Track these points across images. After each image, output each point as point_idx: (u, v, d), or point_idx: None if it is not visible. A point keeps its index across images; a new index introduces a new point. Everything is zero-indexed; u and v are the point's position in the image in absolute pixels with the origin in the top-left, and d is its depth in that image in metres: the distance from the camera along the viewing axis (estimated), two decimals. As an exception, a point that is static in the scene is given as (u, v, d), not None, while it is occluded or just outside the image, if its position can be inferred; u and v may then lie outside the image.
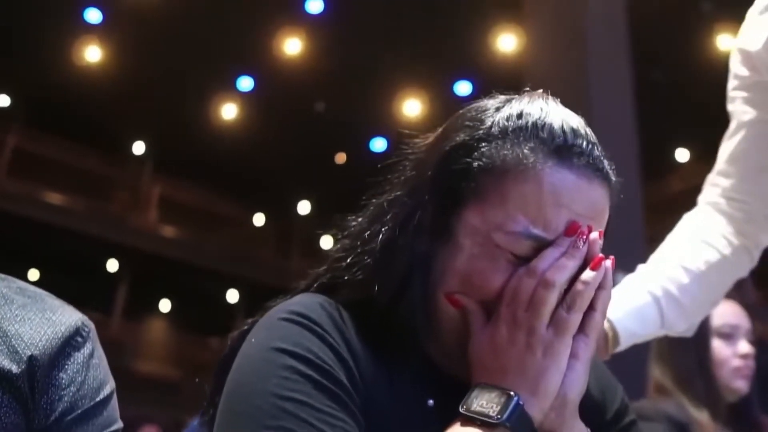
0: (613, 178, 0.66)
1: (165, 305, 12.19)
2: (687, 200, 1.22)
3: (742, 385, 1.54)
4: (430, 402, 0.65)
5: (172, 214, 11.15)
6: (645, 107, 4.02)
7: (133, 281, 11.10)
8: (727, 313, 1.58)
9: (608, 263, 0.64)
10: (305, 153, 9.79)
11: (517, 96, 0.69)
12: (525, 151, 0.63)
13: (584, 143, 0.64)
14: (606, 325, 1.03)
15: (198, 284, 11.34)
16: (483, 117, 0.67)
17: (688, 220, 1.18)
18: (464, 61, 7.75)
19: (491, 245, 0.63)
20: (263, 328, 0.65)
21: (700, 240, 1.13)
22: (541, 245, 0.62)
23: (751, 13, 1.13)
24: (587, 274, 0.63)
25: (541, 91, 0.70)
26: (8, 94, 10.19)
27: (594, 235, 0.64)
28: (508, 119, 0.66)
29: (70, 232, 9.77)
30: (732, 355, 1.54)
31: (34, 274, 11.03)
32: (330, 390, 0.59)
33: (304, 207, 12.02)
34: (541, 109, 0.66)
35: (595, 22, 3.77)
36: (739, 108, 1.15)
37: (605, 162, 0.66)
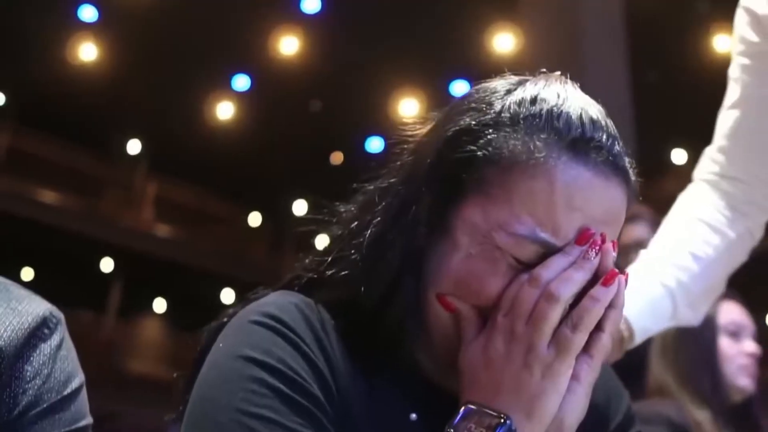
0: (633, 178, 0.59)
1: (159, 305, 12.15)
2: (693, 176, 1.16)
3: (747, 384, 1.53)
4: (413, 416, 0.59)
5: (167, 213, 11.11)
6: (641, 108, 4.02)
7: (127, 281, 11.06)
8: (733, 311, 1.58)
9: (622, 279, 0.57)
10: (301, 152, 9.77)
11: (530, 78, 0.62)
12: (537, 142, 0.56)
13: (604, 136, 0.57)
14: (622, 324, 0.98)
15: (192, 284, 11.30)
16: (491, 100, 0.59)
17: (686, 200, 1.12)
18: (461, 60, 7.75)
19: (491, 246, 0.56)
20: (233, 331, 0.60)
21: (704, 223, 1.07)
22: (548, 251, 0.55)
23: None
24: (598, 290, 0.55)
25: (558, 73, 0.62)
26: (2, 92, 10.14)
27: (608, 245, 0.56)
28: (520, 104, 0.58)
29: (64, 232, 9.72)
30: (738, 352, 1.54)
31: (27, 273, 10.98)
32: (300, 405, 0.54)
33: (299, 207, 12.00)
34: (558, 95, 0.58)
35: (591, 22, 3.77)
36: (742, 76, 1.06)
37: (626, 159, 0.58)
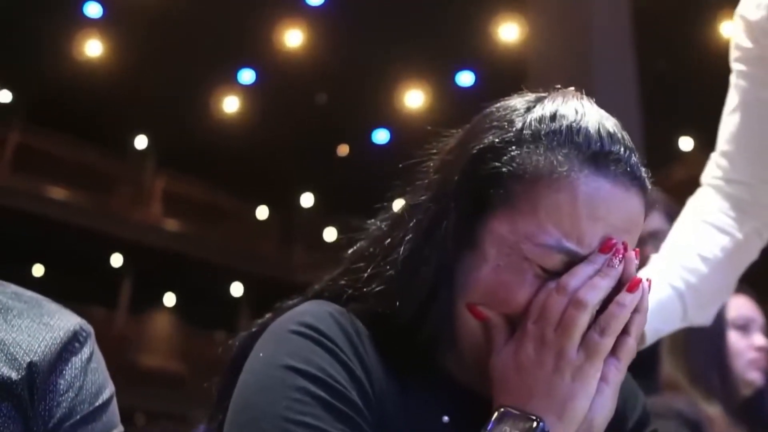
0: (649, 187, 0.62)
1: (169, 299, 12.22)
2: (691, 188, 1.19)
3: (757, 377, 1.52)
4: (445, 418, 0.62)
5: (176, 208, 11.16)
6: (649, 96, 4.00)
7: (138, 276, 11.13)
8: (742, 305, 1.57)
9: (645, 285, 0.60)
10: (307, 145, 9.78)
11: (548, 94, 0.65)
12: (559, 157, 0.59)
13: (622, 149, 0.60)
14: None
15: (202, 278, 11.36)
16: (512, 117, 0.63)
17: (693, 204, 1.14)
18: (466, 51, 7.72)
19: (519, 257, 0.59)
20: (272, 340, 0.62)
21: (711, 225, 1.10)
22: (573, 260, 0.58)
23: None
24: (624, 297, 0.59)
25: (573, 89, 0.65)
26: (10, 90, 10.19)
27: (630, 254, 0.60)
28: (540, 121, 0.61)
29: (74, 228, 9.79)
30: (748, 346, 1.53)
31: (38, 270, 11.07)
32: (341, 411, 0.57)
33: (307, 199, 12.02)
34: (576, 111, 0.62)
35: (598, 11, 3.75)
36: (740, 82, 1.09)
37: (642, 169, 0.62)
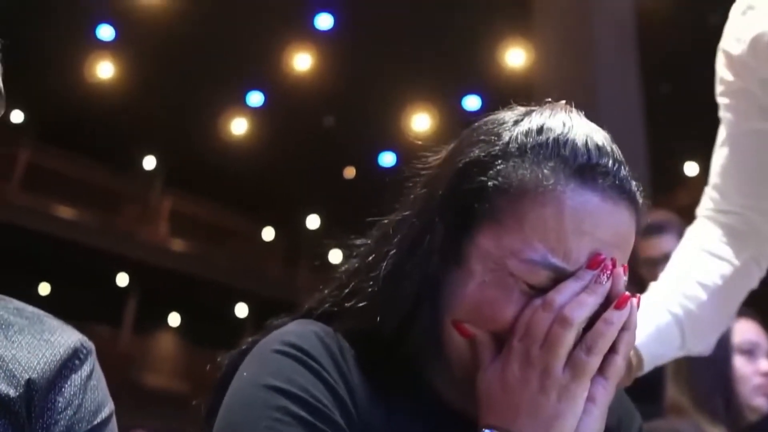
0: (641, 201, 0.60)
1: (174, 319, 12.20)
2: (696, 213, 1.21)
3: (763, 403, 1.50)
4: None
5: (182, 228, 11.19)
6: (654, 121, 4.01)
7: (143, 295, 11.12)
8: (748, 330, 1.55)
9: (634, 302, 0.58)
10: (314, 167, 9.82)
11: (537, 108, 0.64)
12: (545, 171, 0.58)
13: (610, 162, 0.59)
14: (631, 352, 1.01)
15: (207, 298, 11.35)
16: (500, 131, 0.62)
17: (690, 234, 1.15)
18: (473, 75, 7.77)
19: (505, 273, 0.57)
20: (256, 360, 0.62)
21: (709, 253, 1.10)
22: (560, 276, 0.57)
23: (734, 13, 1.08)
24: (611, 314, 0.57)
25: (563, 102, 0.64)
26: (21, 110, 10.30)
27: (618, 270, 0.58)
28: (527, 135, 0.60)
29: (81, 246, 9.82)
30: (753, 372, 1.51)
31: (45, 288, 11.09)
32: (322, 431, 0.56)
33: (313, 221, 12.03)
34: (564, 124, 0.60)
35: (603, 36, 3.78)
36: (726, 115, 1.10)
37: (632, 183, 0.60)
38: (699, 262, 1.10)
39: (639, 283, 1.23)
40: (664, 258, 1.47)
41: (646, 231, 1.98)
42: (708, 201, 1.14)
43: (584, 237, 0.57)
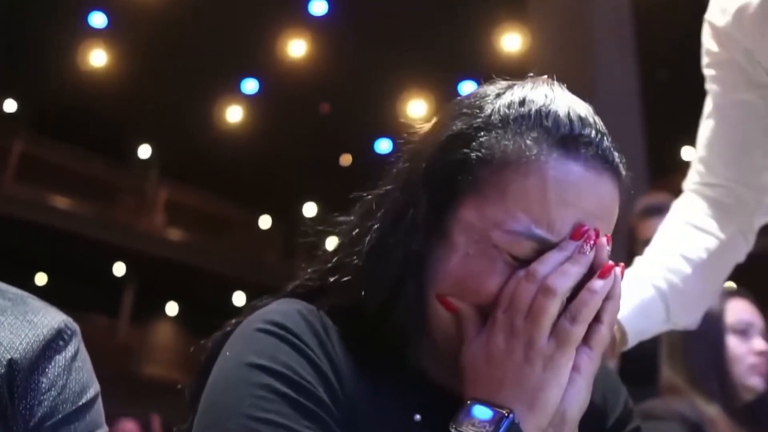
0: (624, 172, 0.61)
1: (172, 309, 12.21)
2: (682, 188, 1.19)
3: (758, 383, 1.50)
4: (417, 417, 0.60)
5: (179, 217, 11.17)
6: (651, 106, 4.00)
7: (140, 285, 11.12)
8: (742, 310, 1.55)
9: (618, 271, 0.58)
10: (310, 155, 9.79)
11: (519, 82, 0.64)
12: (527, 141, 0.58)
13: (592, 132, 0.59)
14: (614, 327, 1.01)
15: (204, 288, 11.35)
16: (482, 104, 0.61)
17: (676, 208, 1.15)
18: (469, 61, 7.74)
19: (488, 245, 0.57)
20: (239, 339, 0.61)
21: (694, 227, 1.10)
22: (544, 247, 0.57)
23: None
24: (595, 283, 0.57)
25: (545, 76, 0.64)
26: (15, 100, 10.24)
27: (602, 240, 0.58)
28: (509, 106, 0.60)
29: (77, 237, 9.80)
30: (747, 351, 1.51)
31: (41, 279, 11.07)
32: (307, 408, 0.56)
33: (309, 209, 12.02)
34: (546, 96, 0.60)
35: (600, 20, 3.76)
36: (712, 87, 1.10)
37: (615, 154, 0.60)
38: (684, 236, 1.09)
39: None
40: None
41: (645, 212, 1.98)
42: (694, 174, 1.14)
43: (567, 207, 0.57)
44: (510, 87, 0.63)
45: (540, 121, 0.59)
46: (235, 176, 10.44)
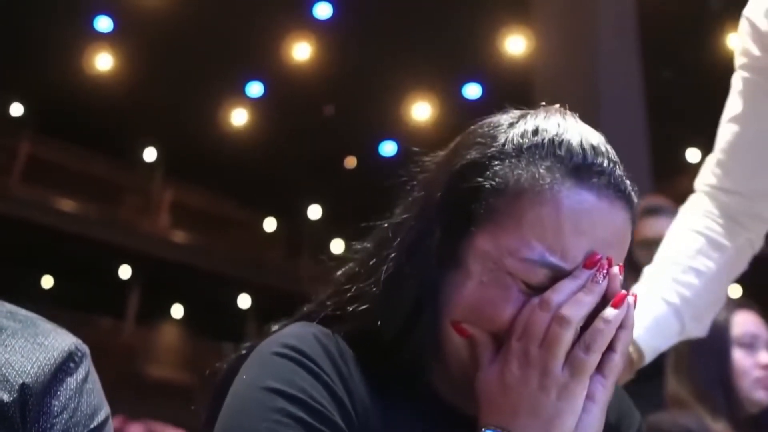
0: (636, 201, 0.61)
1: (177, 310, 12.23)
2: (694, 187, 1.16)
3: (763, 396, 1.49)
4: None
5: (184, 219, 11.20)
6: (655, 107, 4.00)
7: (145, 287, 11.15)
8: (748, 322, 1.54)
9: (631, 300, 0.59)
10: (315, 157, 9.81)
11: (532, 111, 0.65)
12: (541, 170, 0.59)
13: (605, 161, 0.60)
14: (630, 347, 0.97)
15: (209, 289, 11.38)
16: (496, 133, 0.63)
17: (685, 212, 1.12)
18: (473, 63, 7.74)
19: (503, 272, 0.58)
20: (255, 363, 0.62)
21: (704, 237, 1.08)
22: (558, 275, 0.58)
23: None
24: (609, 312, 0.58)
25: (558, 105, 0.65)
26: (21, 102, 10.29)
27: (615, 269, 0.59)
28: (522, 136, 0.61)
29: (83, 239, 9.83)
30: (753, 365, 1.49)
31: (47, 281, 11.11)
32: None
33: (314, 211, 12.04)
34: (558, 125, 0.62)
35: (604, 22, 3.76)
36: (743, 90, 1.05)
37: (627, 183, 0.61)
38: (693, 247, 1.08)
39: (634, 266, 1.22)
40: (659, 239, 1.47)
41: (643, 212, 1.97)
42: (710, 176, 1.10)
43: (581, 236, 0.58)
44: (523, 116, 0.64)
45: (553, 150, 0.60)
46: (239, 178, 10.46)
